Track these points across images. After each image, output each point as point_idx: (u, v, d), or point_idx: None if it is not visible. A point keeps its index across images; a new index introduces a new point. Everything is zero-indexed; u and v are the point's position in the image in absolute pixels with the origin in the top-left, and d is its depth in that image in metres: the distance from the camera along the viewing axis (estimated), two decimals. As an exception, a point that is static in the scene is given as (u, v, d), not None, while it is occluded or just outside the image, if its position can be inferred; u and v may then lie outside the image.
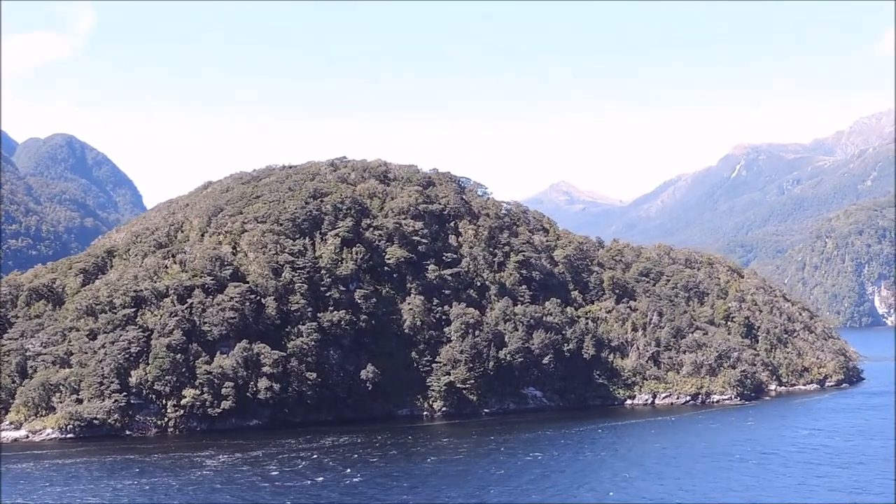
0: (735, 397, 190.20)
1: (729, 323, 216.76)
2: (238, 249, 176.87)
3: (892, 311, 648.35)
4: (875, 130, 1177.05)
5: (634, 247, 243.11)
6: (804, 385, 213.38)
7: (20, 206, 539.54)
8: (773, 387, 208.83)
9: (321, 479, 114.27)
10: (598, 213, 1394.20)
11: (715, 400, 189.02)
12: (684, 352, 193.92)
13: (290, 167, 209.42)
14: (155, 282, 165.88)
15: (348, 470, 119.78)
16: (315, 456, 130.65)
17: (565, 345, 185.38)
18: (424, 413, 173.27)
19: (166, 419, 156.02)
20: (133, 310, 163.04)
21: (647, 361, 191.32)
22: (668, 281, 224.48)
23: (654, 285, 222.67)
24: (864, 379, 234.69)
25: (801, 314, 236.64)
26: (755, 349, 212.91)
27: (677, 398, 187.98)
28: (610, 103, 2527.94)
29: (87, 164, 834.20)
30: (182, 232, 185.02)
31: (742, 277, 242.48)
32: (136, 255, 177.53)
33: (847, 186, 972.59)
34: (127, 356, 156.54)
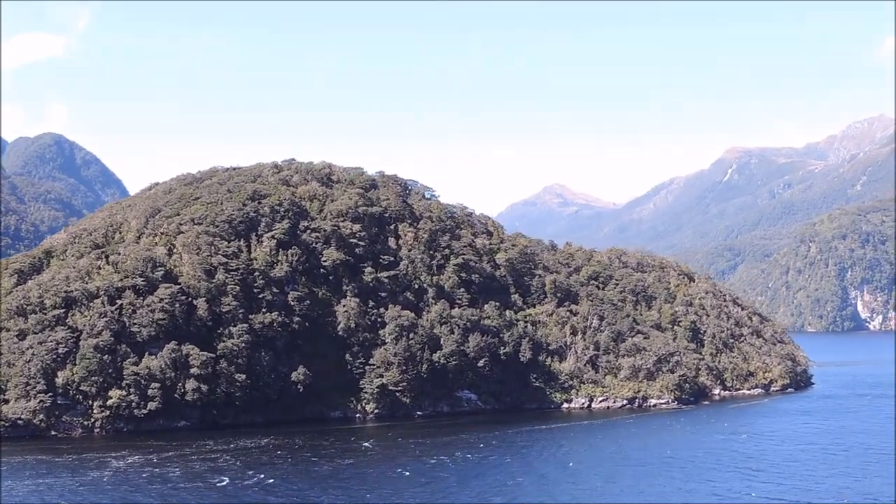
0: (672, 401, 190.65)
1: (675, 327, 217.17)
2: (174, 251, 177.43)
3: (874, 315, 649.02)
4: (867, 135, 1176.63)
5: (587, 250, 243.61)
6: (749, 390, 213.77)
7: (0, 206, 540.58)
8: (717, 391, 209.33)
9: (218, 480, 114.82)
10: (590, 216, 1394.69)
11: (652, 404, 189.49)
12: (623, 356, 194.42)
13: (235, 169, 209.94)
14: (86, 283, 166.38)
15: (250, 472, 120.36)
16: (226, 458, 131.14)
17: (502, 348, 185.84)
18: (357, 415, 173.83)
19: (93, 420, 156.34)
20: (63, 310, 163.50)
21: (584, 365, 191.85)
22: (617, 285, 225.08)
23: (602, 289, 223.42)
24: (813, 384, 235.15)
25: (750, 319, 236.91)
26: (700, 353, 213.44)
27: (614, 402, 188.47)
28: (604, 106, 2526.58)
29: (75, 164, 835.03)
30: (120, 233, 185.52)
31: (692, 282, 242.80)
32: (72, 256, 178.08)
33: (837, 191, 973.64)
34: (55, 357, 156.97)
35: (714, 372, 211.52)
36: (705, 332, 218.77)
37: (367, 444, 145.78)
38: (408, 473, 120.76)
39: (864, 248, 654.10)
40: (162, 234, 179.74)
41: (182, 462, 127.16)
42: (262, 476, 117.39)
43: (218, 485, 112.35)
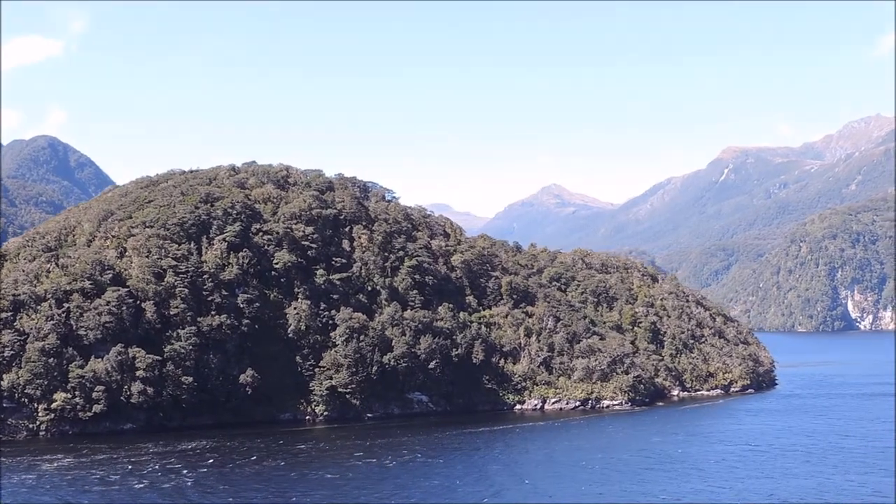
0: (626, 403, 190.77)
1: (635, 328, 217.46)
2: (126, 254, 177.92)
3: (865, 315, 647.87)
4: (864, 134, 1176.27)
5: (551, 251, 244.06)
6: (708, 391, 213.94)
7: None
8: (675, 392, 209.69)
9: (137, 482, 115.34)
10: (588, 216, 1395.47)
11: (605, 405, 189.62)
12: (577, 357, 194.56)
13: (192, 171, 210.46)
14: (34, 286, 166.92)
15: (172, 474, 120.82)
16: (158, 460, 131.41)
17: (454, 350, 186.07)
18: (307, 417, 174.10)
19: (38, 423, 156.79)
20: (11, 314, 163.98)
21: (538, 367, 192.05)
22: (579, 286, 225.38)
23: (564, 290, 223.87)
24: (776, 384, 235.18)
25: (713, 319, 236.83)
26: (660, 354, 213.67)
27: (566, 403, 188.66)
28: (602, 106, 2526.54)
29: (69, 166, 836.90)
30: (72, 236, 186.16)
31: (656, 283, 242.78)
32: (24, 260, 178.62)
33: (832, 190, 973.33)
34: (0, 360, 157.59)
35: (673, 373, 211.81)
36: (665, 332, 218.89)
37: (302, 446, 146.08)
38: (330, 476, 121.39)
39: (854, 248, 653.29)
40: (113, 237, 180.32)
41: (110, 465, 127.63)
42: (184, 478, 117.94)
43: (135, 486, 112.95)
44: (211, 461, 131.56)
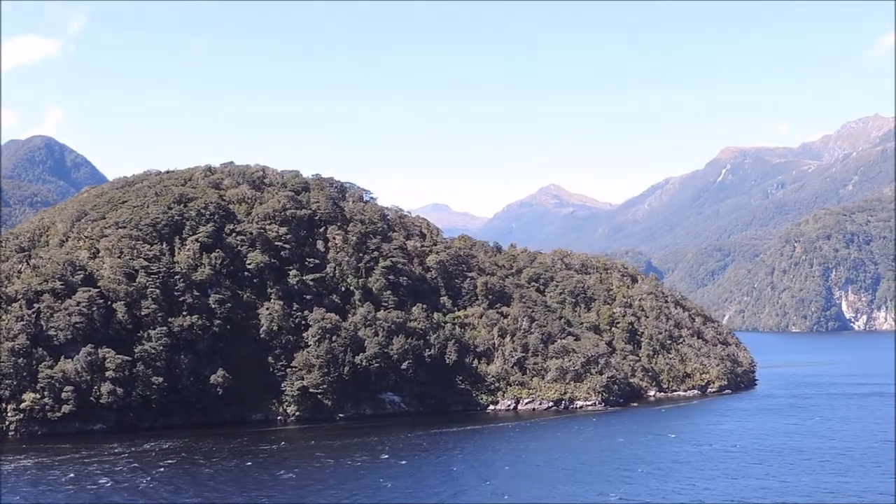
0: (600, 403, 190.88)
1: (613, 328, 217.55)
2: (99, 255, 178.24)
3: (859, 315, 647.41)
4: (862, 135, 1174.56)
5: (531, 252, 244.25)
6: (685, 391, 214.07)
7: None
8: (652, 393, 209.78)
9: (91, 483, 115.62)
10: (586, 217, 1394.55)
11: (578, 406, 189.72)
12: (551, 357, 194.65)
13: (168, 172, 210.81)
14: (5, 287, 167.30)
15: (131, 474, 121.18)
16: (121, 460, 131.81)
17: (427, 350, 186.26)
18: (279, 418, 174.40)
19: (7, 423, 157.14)
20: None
21: (512, 367, 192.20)
22: (557, 286, 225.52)
23: (543, 291, 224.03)
24: (755, 385, 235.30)
25: (692, 320, 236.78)
26: (637, 355, 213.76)
27: (540, 404, 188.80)
28: (601, 107, 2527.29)
29: (65, 167, 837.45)
30: (46, 236, 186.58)
31: (636, 283, 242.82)
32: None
33: (829, 191, 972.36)
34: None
35: (650, 373, 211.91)
36: (642, 333, 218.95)
37: (271, 446, 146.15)
38: (293, 476, 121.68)
39: (848, 249, 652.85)
40: (86, 237, 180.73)
41: (73, 465, 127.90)
42: (143, 478, 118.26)
43: (90, 487, 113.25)
44: (175, 461, 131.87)
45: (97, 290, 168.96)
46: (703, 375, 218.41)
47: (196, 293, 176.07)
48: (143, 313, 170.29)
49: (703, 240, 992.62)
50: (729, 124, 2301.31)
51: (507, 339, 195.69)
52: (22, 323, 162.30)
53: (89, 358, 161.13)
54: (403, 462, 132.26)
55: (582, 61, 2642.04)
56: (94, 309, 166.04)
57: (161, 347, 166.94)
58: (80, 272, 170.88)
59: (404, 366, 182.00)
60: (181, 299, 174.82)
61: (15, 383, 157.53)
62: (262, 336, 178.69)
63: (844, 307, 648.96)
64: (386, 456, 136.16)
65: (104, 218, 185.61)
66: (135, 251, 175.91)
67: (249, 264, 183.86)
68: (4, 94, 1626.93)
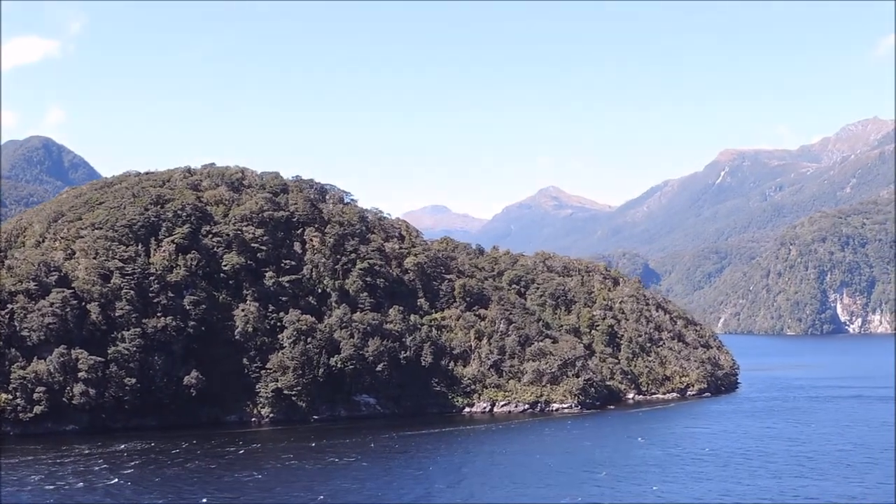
0: (576, 406, 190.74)
1: (593, 331, 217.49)
2: (74, 256, 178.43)
3: (854, 318, 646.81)
4: (861, 137, 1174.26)
5: (513, 254, 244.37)
6: (664, 394, 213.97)
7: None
8: (631, 395, 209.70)
9: (49, 483, 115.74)
10: (585, 219, 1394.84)
11: (554, 408, 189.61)
12: (528, 360, 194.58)
13: (147, 173, 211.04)
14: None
15: (91, 476, 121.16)
16: (87, 462, 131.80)
17: (402, 352, 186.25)
18: (253, 419, 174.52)
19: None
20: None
21: (488, 369, 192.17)
22: (538, 289, 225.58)
23: (523, 293, 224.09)
24: (736, 388, 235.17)
25: (673, 323, 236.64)
26: (616, 357, 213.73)
27: (515, 406, 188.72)
28: (600, 109, 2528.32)
29: (63, 167, 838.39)
30: (23, 237, 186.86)
31: (617, 286, 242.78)
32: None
33: (826, 193, 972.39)
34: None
35: (629, 376, 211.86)
36: (622, 336, 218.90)
37: (241, 448, 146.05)
38: (260, 477, 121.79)
39: (843, 251, 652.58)
40: (62, 238, 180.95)
41: (34, 466, 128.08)
42: (113, 479, 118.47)
43: (48, 488, 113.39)
44: (142, 462, 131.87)
45: (71, 291, 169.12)
46: (683, 378, 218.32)
47: (171, 294, 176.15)
48: (117, 314, 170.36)
49: (702, 242, 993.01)
50: (728, 126, 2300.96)
51: (484, 341, 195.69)
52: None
53: (62, 359, 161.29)
54: (377, 463, 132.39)
55: (582, 62, 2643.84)
56: (68, 310, 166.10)
57: (135, 348, 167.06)
58: (54, 273, 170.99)
59: (379, 368, 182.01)
60: (156, 300, 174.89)
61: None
62: (236, 338, 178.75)
63: (839, 310, 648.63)
64: (359, 458, 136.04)
65: (80, 219, 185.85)
66: (110, 252, 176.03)
67: (225, 266, 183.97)
68: (4, 94, 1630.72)
